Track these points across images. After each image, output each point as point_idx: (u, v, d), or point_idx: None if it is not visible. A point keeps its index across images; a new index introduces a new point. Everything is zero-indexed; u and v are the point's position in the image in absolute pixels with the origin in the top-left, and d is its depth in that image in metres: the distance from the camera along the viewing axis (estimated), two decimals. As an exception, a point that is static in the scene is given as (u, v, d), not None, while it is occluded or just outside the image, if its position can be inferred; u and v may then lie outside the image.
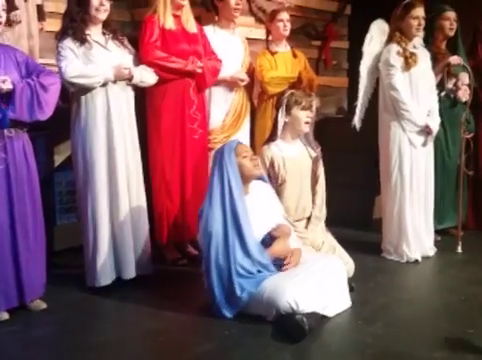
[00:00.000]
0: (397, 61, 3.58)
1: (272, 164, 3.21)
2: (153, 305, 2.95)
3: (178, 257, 3.65)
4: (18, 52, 2.88)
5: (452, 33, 4.04)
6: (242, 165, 2.85)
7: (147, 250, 3.29)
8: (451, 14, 4.02)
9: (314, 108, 3.27)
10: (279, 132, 3.24)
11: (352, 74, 5.44)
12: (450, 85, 3.99)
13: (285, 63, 3.92)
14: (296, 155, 3.27)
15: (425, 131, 3.64)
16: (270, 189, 3.08)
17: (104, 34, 3.16)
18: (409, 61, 3.57)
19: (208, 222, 2.75)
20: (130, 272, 3.18)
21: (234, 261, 2.69)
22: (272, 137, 3.28)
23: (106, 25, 3.16)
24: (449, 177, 4.09)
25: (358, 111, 3.76)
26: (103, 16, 3.09)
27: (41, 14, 3.62)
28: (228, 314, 2.71)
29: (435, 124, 3.67)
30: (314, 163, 3.33)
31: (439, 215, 4.03)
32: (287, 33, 3.96)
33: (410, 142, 3.63)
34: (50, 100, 2.79)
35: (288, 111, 3.21)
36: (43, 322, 2.76)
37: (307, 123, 3.24)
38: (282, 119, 3.22)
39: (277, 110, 3.29)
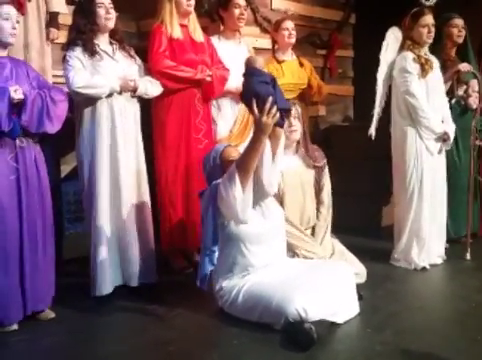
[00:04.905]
0: (414, 68, 3.56)
1: None
2: (161, 314, 2.94)
3: (184, 265, 3.65)
4: (30, 67, 2.94)
5: (461, 40, 4.04)
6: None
7: (152, 258, 3.29)
8: (459, 21, 4.02)
9: (298, 115, 3.22)
10: None
11: (357, 82, 5.47)
12: (460, 92, 3.99)
13: (291, 71, 3.92)
14: (295, 167, 3.25)
15: (442, 138, 3.62)
16: None
17: (111, 44, 3.19)
18: (426, 67, 3.55)
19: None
20: (135, 280, 3.18)
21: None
22: None
23: (113, 34, 3.19)
24: (461, 185, 4.01)
25: (375, 120, 3.70)
26: (111, 24, 3.13)
27: (54, 22, 3.62)
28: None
29: (452, 130, 3.64)
30: (318, 173, 3.31)
31: (457, 224, 4.01)
32: (293, 41, 3.97)
33: (427, 149, 3.60)
34: (59, 114, 2.82)
35: None
36: (51, 332, 2.75)
37: (293, 131, 3.20)
38: None
39: None
